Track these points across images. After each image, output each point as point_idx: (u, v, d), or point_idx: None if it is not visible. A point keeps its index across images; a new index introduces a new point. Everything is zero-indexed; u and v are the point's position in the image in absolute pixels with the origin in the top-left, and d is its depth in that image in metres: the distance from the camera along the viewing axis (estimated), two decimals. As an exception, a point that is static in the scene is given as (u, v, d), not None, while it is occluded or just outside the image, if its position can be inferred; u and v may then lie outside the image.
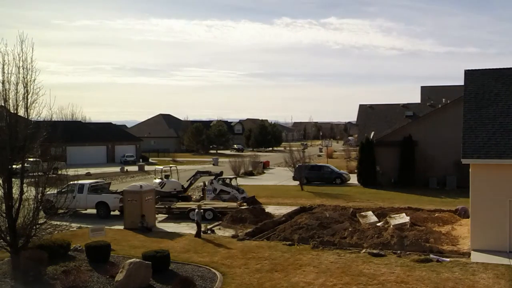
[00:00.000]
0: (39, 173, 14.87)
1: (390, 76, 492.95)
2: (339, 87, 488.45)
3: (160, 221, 25.42)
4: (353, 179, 42.36)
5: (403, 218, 22.35)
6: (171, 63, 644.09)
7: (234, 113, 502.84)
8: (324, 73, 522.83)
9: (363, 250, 18.26)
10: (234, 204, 27.62)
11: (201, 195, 32.46)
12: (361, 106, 50.74)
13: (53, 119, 14.89)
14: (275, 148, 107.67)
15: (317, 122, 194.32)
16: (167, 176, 33.11)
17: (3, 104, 13.81)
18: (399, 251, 17.96)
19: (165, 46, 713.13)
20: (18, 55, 13.51)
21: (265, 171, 55.65)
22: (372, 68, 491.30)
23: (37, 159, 15.20)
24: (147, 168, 58.20)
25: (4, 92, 13.66)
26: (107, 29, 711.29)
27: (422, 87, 71.14)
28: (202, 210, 22.95)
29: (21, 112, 14.01)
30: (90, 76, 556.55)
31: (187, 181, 32.94)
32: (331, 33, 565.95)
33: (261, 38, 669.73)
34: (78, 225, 24.27)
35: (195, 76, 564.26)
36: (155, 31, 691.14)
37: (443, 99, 49.25)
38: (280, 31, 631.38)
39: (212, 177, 31.91)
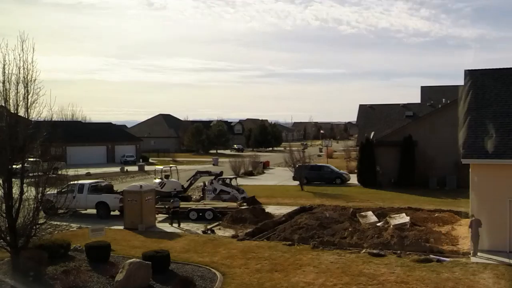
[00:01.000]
0: (39, 173, 14.86)
1: (405, 73, 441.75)
2: (344, 84, 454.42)
3: (160, 221, 25.42)
4: (353, 179, 42.36)
5: (403, 218, 22.36)
6: (154, 52, 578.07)
7: (234, 113, 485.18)
8: (328, 67, 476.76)
9: (363, 250, 18.26)
10: (234, 204, 27.63)
11: (201, 195, 32.48)
12: (361, 106, 50.65)
13: (53, 119, 14.89)
14: (275, 148, 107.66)
15: (317, 122, 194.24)
16: (167, 176, 33.12)
17: (3, 104, 13.80)
18: (399, 251, 17.96)
19: (142, 26, 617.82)
20: (19, 55, 13.51)
21: (265, 171, 55.65)
22: (386, 62, 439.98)
23: (37, 159, 15.19)
24: (147, 168, 58.19)
25: (4, 92, 13.65)
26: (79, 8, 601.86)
27: (422, 87, 71.05)
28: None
29: (22, 112, 13.99)
30: (59, 72, 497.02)
31: (187, 181, 32.95)
32: (347, 11, 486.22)
33: (262, 20, 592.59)
34: (78, 225, 24.27)
35: (186, 69, 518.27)
36: (129, 6, 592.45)
37: (443, 99, 49.23)
38: (286, 7, 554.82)
39: (212, 177, 31.93)
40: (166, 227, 23.92)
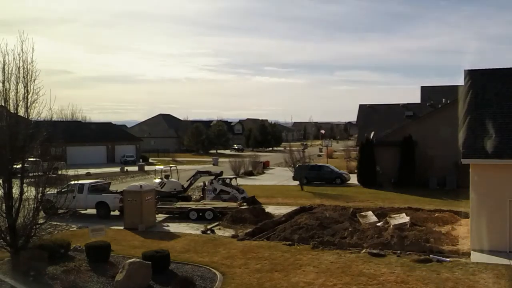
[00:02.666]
0: (39, 173, 14.87)
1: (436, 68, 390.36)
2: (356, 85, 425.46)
3: (160, 221, 25.41)
4: (353, 179, 42.34)
5: (403, 218, 22.35)
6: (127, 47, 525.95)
7: (234, 113, 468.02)
8: (337, 62, 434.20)
9: (363, 250, 18.25)
10: (234, 204, 27.61)
11: (201, 195, 32.47)
12: (361, 106, 50.83)
13: (53, 119, 14.91)
14: (275, 148, 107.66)
15: (317, 122, 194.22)
16: (167, 176, 33.13)
17: (3, 104, 13.81)
18: (399, 251, 17.96)
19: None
20: (18, 55, 13.52)
21: (265, 171, 55.63)
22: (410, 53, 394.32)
23: (37, 159, 15.20)
24: (147, 168, 58.19)
25: (4, 92, 13.66)
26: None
27: (422, 87, 71.09)
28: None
29: (21, 112, 14.00)
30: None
31: (187, 181, 32.94)
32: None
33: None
34: (78, 225, 24.27)
35: (168, 63, 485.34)
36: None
37: (443, 99, 49.24)
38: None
39: (212, 177, 31.92)
40: (167, 227, 23.91)
